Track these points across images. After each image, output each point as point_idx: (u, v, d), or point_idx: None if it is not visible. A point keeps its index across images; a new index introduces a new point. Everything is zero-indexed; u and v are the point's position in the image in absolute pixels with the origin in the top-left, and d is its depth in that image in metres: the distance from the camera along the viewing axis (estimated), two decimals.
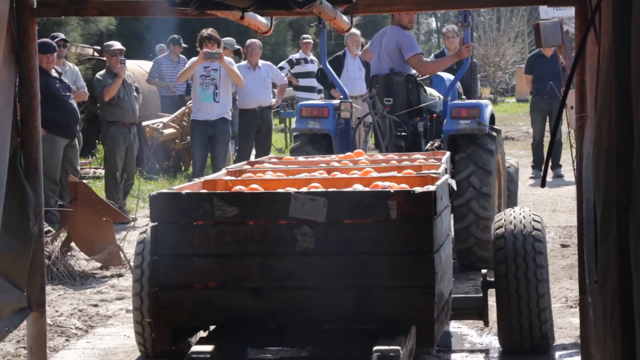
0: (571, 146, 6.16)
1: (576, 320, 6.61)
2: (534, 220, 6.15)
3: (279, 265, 4.73)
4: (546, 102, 15.52)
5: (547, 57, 15.47)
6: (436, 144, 9.11)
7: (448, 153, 7.01)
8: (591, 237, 4.66)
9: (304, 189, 5.24)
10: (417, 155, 7.07)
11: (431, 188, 4.85)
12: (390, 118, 9.27)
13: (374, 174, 5.80)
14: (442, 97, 9.71)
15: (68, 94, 11.55)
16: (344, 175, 5.82)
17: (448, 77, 10.33)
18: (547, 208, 12.91)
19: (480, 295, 6.21)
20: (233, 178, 5.90)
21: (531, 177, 15.84)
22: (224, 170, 6.19)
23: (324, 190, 5.10)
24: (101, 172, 14.52)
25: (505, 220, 6.20)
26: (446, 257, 5.23)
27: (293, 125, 9.63)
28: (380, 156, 7.09)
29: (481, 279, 6.24)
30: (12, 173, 5.46)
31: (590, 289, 4.82)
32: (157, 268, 4.86)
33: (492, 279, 6.11)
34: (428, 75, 10.00)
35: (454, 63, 10.16)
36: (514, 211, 6.31)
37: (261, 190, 5.35)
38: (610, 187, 4.06)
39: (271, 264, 4.74)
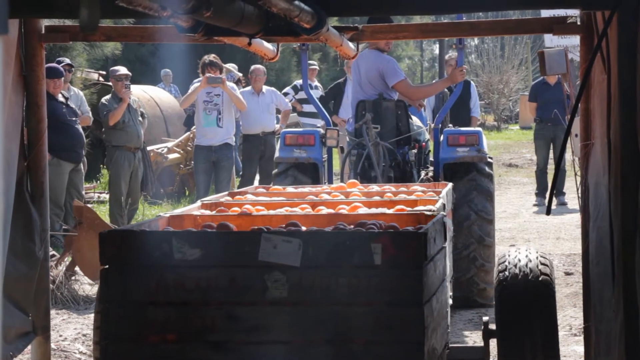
0: (575, 174, 6.06)
1: (580, 349, 6.60)
2: (542, 264, 5.42)
3: (247, 316, 4.17)
4: (550, 130, 15.55)
5: (551, 85, 15.52)
6: (430, 174, 8.84)
7: (450, 185, 6.57)
8: (603, 265, 4.65)
9: (282, 227, 4.80)
10: (415, 186, 6.67)
11: (422, 229, 4.34)
12: (383, 145, 8.71)
13: (363, 210, 5.35)
14: (425, 125, 9.35)
15: (74, 118, 11.59)
16: (330, 211, 5.37)
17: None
18: (551, 236, 12.91)
19: (482, 345, 5.61)
20: (207, 212, 5.45)
21: (535, 205, 15.84)
22: (198, 203, 5.73)
23: (298, 230, 4.59)
24: (106, 196, 14.53)
25: (509, 263, 5.45)
26: (440, 307, 4.69)
27: (276, 154, 9.09)
28: (375, 187, 6.64)
29: (482, 326, 5.61)
30: (19, 197, 5.48)
31: (602, 317, 4.81)
32: (108, 317, 4.27)
33: (494, 328, 5.45)
34: (419, 101, 9.67)
35: (446, 87, 9.84)
36: (519, 253, 5.56)
37: (232, 228, 4.82)
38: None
39: (238, 315, 4.18)
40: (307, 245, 4.14)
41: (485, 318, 5.63)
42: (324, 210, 5.40)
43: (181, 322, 4.20)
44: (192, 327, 4.20)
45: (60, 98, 11.45)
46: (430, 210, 5.08)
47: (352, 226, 4.76)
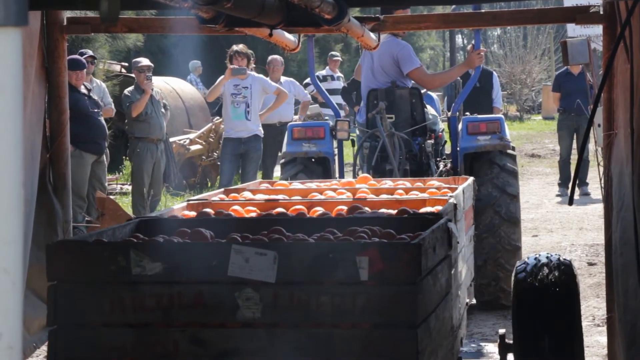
0: (598, 164, 6.01)
1: (603, 339, 6.58)
2: (564, 274, 4.84)
3: (215, 340, 3.67)
4: (573, 120, 15.52)
5: (574, 75, 15.47)
6: (449, 165, 8.46)
7: (471, 179, 6.18)
8: (627, 255, 4.62)
9: (264, 233, 4.26)
10: (433, 181, 6.31)
11: (417, 239, 3.77)
12: (399, 136, 8.20)
13: (361, 212, 4.83)
14: (439, 113, 8.93)
15: (97, 110, 11.62)
16: (325, 213, 4.90)
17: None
18: (574, 226, 12.87)
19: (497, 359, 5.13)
20: (193, 213, 5.04)
21: (557, 195, 15.79)
22: (184, 203, 5.28)
23: (272, 242, 4.00)
24: (128, 188, 14.58)
25: (527, 270, 4.89)
26: (441, 325, 4.15)
27: (284, 149, 8.46)
28: (389, 183, 6.21)
29: (498, 341, 5.09)
30: (42, 189, 5.50)
31: (626, 308, 4.77)
32: (56, 341, 3.76)
33: (511, 342, 4.93)
34: (435, 89, 9.30)
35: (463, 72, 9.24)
36: (539, 260, 4.97)
37: (208, 235, 4.25)
38: None
39: (204, 338, 3.67)
40: (283, 259, 3.61)
41: (501, 331, 5.18)
42: (320, 211, 4.97)
43: (140, 346, 3.71)
44: (152, 351, 3.70)
45: (83, 90, 11.48)
46: (431, 215, 4.54)
47: (342, 234, 4.19)
